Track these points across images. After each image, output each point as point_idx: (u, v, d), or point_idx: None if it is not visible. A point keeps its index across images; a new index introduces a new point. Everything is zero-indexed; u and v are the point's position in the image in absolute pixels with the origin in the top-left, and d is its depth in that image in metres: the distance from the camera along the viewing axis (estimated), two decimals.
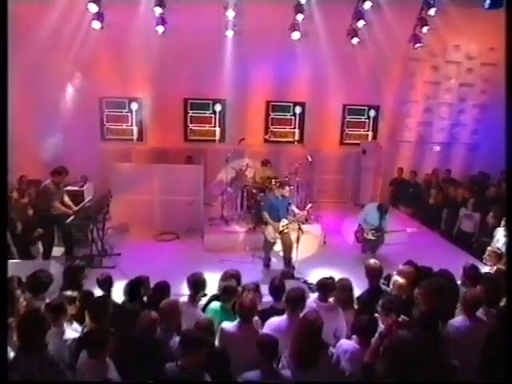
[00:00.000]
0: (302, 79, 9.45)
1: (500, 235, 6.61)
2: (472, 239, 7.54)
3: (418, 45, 8.52)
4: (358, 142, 10.35)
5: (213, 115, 9.66)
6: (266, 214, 6.24)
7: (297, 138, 10.14)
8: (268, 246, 6.41)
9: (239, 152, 8.48)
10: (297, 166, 8.23)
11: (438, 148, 10.59)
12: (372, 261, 4.33)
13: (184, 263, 6.33)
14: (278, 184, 6.31)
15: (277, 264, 6.56)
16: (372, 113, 10.25)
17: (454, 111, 10.32)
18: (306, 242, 6.63)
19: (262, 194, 7.38)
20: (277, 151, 9.70)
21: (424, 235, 8.21)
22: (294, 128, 10.11)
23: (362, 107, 10.18)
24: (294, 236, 6.30)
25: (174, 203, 7.70)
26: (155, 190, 7.73)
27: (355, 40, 8.45)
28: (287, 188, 6.19)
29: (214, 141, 9.79)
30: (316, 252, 7.05)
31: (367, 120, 10.32)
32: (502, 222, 6.58)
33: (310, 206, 6.20)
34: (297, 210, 6.32)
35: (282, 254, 6.47)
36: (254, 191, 7.84)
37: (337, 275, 4.39)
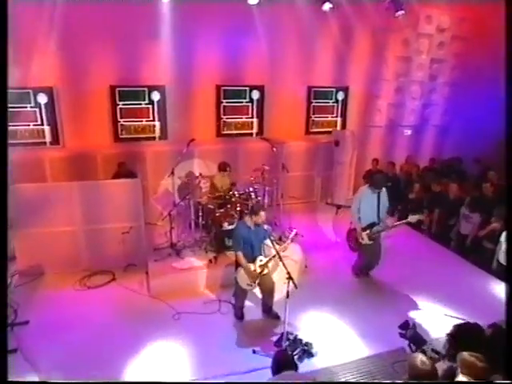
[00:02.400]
0: (259, 58, 7.55)
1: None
2: (471, 243, 6.37)
3: (399, 12, 6.93)
4: (325, 130, 8.78)
5: (149, 106, 7.44)
6: (239, 255, 4.45)
7: (256, 129, 8.32)
8: (241, 294, 4.65)
9: (187, 153, 6.45)
10: (264, 169, 6.45)
11: (409, 132, 9.41)
12: (419, 359, 2.73)
13: (124, 321, 4.46)
14: (250, 209, 4.50)
15: (253, 312, 4.84)
16: (340, 95, 8.62)
17: (425, 90, 9.13)
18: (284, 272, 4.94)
19: (228, 225, 5.58)
20: (233, 148, 7.78)
21: (412, 239, 6.96)
22: (252, 117, 8.22)
23: (330, 89, 8.51)
24: (275, 274, 4.63)
25: (104, 233, 5.60)
26: (77, 218, 5.53)
27: (327, 6, 6.64)
28: (262, 213, 4.41)
29: (154, 138, 7.64)
30: (298, 282, 5.42)
31: (335, 104, 8.70)
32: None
33: (294, 232, 4.50)
34: (276, 245, 4.54)
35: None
36: (211, 206, 5.98)
37: (333, 318, 3.87)
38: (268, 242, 4.50)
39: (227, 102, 7.92)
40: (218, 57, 7.32)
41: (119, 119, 7.34)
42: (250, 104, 8.09)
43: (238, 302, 4.74)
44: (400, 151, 9.32)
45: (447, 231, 6.79)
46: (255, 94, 8.03)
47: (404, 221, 5.31)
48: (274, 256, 4.43)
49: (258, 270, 4.45)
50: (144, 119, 7.49)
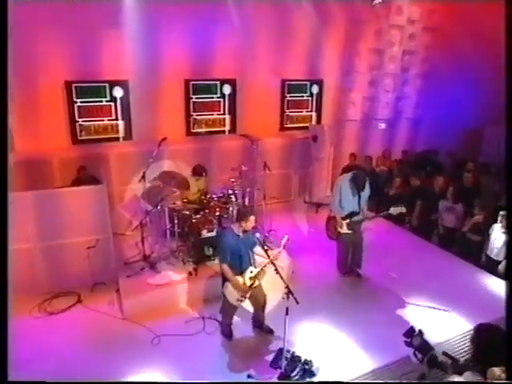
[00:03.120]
0: (230, 50, 7.03)
1: (497, 234, 5.29)
2: (455, 235, 6.23)
3: (376, 0, 6.65)
4: (300, 125, 8.41)
5: (111, 103, 6.71)
6: (225, 268, 3.92)
7: (228, 126, 7.79)
8: (230, 310, 4.13)
9: (157, 154, 5.80)
10: (242, 169, 5.94)
11: (383, 125, 9.25)
12: (497, 372, 2.36)
13: (95, 350, 3.85)
14: (237, 215, 3.97)
15: (242, 328, 4.33)
16: (315, 89, 8.25)
17: (397, 83, 9.00)
18: (272, 281, 4.47)
19: (207, 232, 5.04)
20: (205, 147, 7.19)
21: (395, 235, 6.73)
22: (224, 113, 7.67)
23: (304, 82, 8.12)
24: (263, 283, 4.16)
25: (65, 249, 4.86)
26: (32, 233, 4.75)
27: None
28: (252, 218, 3.90)
29: (117, 139, 6.91)
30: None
31: (310, 98, 8.33)
32: (499, 218, 5.23)
33: (286, 238, 4.01)
34: (262, 255, 4.08)
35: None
36: (186, 212, 5.40)
37: (329, 328, 3.61)
38: (258, 249, 4.02)
39: (197, 98, 7.33)
40: (187, 49, 6.71)
41: (77, 119, 6.55)
42: (221, 99, 7.53)
43: (226, 320, 4.22)
44: (375, 145, 9.14)
45: (431, 225, 6.61)
46: (227, 89, 7.48)
47: (385, 212, 5.10)
48: (265, 266, 3.95)
49: (249, 283, 3.96)
50: (105, 118, 6.74)
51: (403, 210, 4.93)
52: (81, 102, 6.49)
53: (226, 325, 4.26)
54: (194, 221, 5.22)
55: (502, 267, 5.26)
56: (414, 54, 8.87)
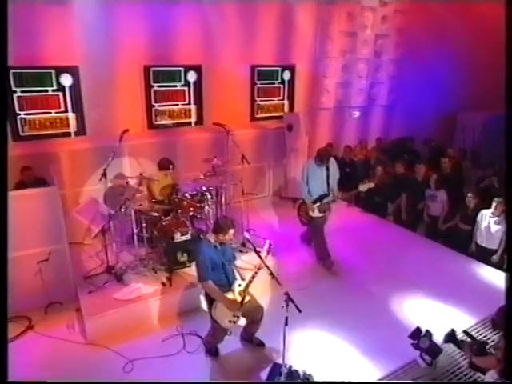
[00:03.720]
0: (195, 33, 6.60)
1: (488, 220, 5.28)
2: (437, 224, 6.21)
3: None
4: (272, 115, 8.11)
5: (59, 93, 6.06)
6: (210, 286, 3.49)
7: (194, 117, 7.34)
8: (220, 335, 3.71)
9: (117, 150, 5.25)
10: (215, 163, 5.54)
11: (357, 114, 9.19)
12: None
13: None
14: (216, 226, 3.56)
15: (227, 341, 3.94)
16: (286, 75, 7.98)
17: (371, 68, 8.96)
18: (258, 287, 4.12)
19: (181, 235, 4.61)
20: (170, 141, 6.69)
21: (381, 229, 6.62)
22: (189, 103, 7.21)
23: (275, 68, 7.82)
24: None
25: (12, 265, 4.23)
26: None
27: None
28: (231, 231, 3.52)
29: (68, 134, 6.26)
30: (272, 297, 4.66)
31: (281, 85, 8.04)
32: (493, 205, 5.21)
33: (268, 243, 3.65)
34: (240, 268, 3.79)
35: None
36: (155, 214, 4.93)
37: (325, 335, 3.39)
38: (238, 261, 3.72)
39: (159, 86, 6.82)
40: (146, 31, 6.19)
41: (19, 111, 5.85)
42: (185, 88, 7.07)
43: (214, 341, 3.82)
44: (350, 134, 9.07)
45: (417, 216, 6.56)
46: (191, 76, 7.03)
47: (354, 191, 5.27)
48: (254, 275, 3.60)
49: (239, 299, 3.58)
50: (53, 110, 6.08)
51: (371, 185, 4.98)
52: (21, 92, 5.79)
53: (212, 346, 3.86)
54: (164, 223, 4.77)
55: (496, 257, 5.25)
56: (387, 37, 8.86)
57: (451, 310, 4.50)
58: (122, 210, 4.81)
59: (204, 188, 5.09)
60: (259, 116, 7.99)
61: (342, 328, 4.20)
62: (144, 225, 4.75)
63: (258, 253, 3.49)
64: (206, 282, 3.45)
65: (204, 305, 4.48)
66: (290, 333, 3.94)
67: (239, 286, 3.59)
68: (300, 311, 3.09)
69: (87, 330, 4.03)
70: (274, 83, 7.92)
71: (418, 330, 3.79)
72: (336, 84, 8.66)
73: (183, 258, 4.81)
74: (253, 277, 3.60)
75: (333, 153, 7.90)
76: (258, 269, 3.56)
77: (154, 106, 6.87)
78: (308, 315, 4.23)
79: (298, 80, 8.18)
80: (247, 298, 3.59)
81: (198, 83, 7.12)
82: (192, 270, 4.81)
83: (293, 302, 3.11)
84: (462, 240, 5.82)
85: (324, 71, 8.39)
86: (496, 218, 5.21)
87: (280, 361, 3.47)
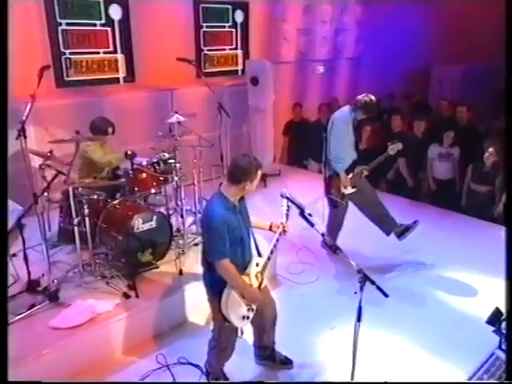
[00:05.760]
0: None
1: None
2: (456, 189, 5.98)
3: None
4: (224, 69, 7.32)
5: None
6: (227, 267, 2.63)
7: (123, 71, 6.25)
8: (231, 341, 2.87)
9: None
10: (175, 121, 4.58)
11: (321, 69, 8.82)
12: None
13: None
14: (239, 171, 2.65)
15: (236, 364, 3.11)
16: (239, 16, 7.22)
17: (336, 11, 8.57)
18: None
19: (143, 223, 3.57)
20: (92, 103, 5.54)
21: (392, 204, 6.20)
22: (115, 52, 6.11)
23: (224, 6, 7.01)
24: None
25: None
26: None
27: None
28: (260, 172, 2.70)
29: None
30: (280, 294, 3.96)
31: (233, 29, 7.27)
32: None
33: (284, 202, 2.92)
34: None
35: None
36: (95, 197, 3.88)
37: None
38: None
39: (68, 25, 5.60)
40: None
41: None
42: (108, 29, 5.95)
43: (223, 359, 2.97)
44: (314, 92, 8.67)
45: (420, 183, 6.29)
46: (115, 12, 5.94)
47: (382, 156, 4.61)
48: (272, 252, 2.93)
49: (256, 284, 2.84)
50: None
51: (400, 146, 4.56)
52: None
53: (219, 369, 3.01)
54: (115, 208, 3.75)
55: None
56: None
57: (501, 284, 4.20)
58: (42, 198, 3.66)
59: (166, 154, 4.13)
60: (208, 71, 7.13)
61: (396, 326, 3.65)
62: (86, 212, 3.65)
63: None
64: (224, 261, 2.62)
65: (193, 316, 3.68)
66: (330, 337, 3.35)
67: (257, 265, 2.85)
68: (387, 295, 2.39)
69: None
70: (224, 26, 7.12)
71: (498, 311, 3.34)
72: (297, 31, 8.14)
73: (147, 256, 3.84)
74: (272, 251, 2.92)
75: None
76: (280, 234, 2.91)
77: (64, 53, 5.65)
78: (340, 313, 3.70)
79: (252, 24, 7.49)
80: (264, 284, 2.91)
81: (126, 23, 6.08)
82: (163, 272, 3.91)
83: (373, 282, 2.39)
84: (478, 205, 5.65)
85: (283, 13, 7.80)
86: None
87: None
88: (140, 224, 3.75)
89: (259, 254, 2.93)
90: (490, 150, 5.47)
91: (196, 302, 3.73)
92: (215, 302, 2.73)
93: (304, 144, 7.40)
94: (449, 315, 3.87)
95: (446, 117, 6.91)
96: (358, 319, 2.41)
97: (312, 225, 2.68)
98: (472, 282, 4.35)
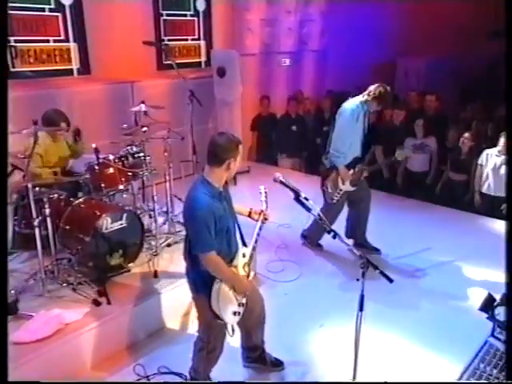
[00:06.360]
0: None
1: (494, 160, 5.31)
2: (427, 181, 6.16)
3: None
4: (185, 61, 7.19)
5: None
6: (215, 260, 2.53)
7: (76, 62, 6.00)
8: (220, 341, 2.77)
9: None
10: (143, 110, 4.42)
11: (287, 62, 8.86)
12: None
13: None
14: (220, 148, 2.53)
15: (222, 369, 3.01)
16: (201, 4, 7.12)
17: (300, 1, 8.66)
18: None
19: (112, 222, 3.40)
20: (41, 96, 5.26)
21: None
22: (67, 40, 5.85)
23: None
24: None
25: None
26: None
27: None
28: (241, 147, 2.63)
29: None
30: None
31: (195, 18, 7.16)
32: (501, 140, 5.23)
33: (263, 189, 2.98)
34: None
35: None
36: (55, 196, 3.66)
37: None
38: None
39: (13, 9, 5.26)
40: None
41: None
42: (58, 14, 5.70)
43: (210, 365, 2.86)
44: (280, 86, 8.68)
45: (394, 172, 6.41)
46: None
47: (386, 160, 4.96)
48: (256, 241, 2.86)
49: (244, 274, 2.78)
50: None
51: (409, 154, 4.75)
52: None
53: (206, 375, 2.89)
54: (81, 206, 3.56)
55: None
56: None
57: (488, 272, 4.33)
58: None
59: (134, 148, 3.96)
60: (169, 62, 6.95)
61: (392, 322, 3.65)
62: (48, 212, 3.42)
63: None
64: (211, 254, 2.52)
65: (172, 321, 3.54)
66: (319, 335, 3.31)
67: (243, 256, 2.77)
68: (391, 281, 2.37)
69: None
70: (185, 15, 7.00)
71: (491, 297, 3.41)
72: (261, 22, 8.13)
73: (116, 258, 3.66)
74: (256, 241, 2.85)
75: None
76: (263, 222, 2.89)
77: (9, 43, 5.34)
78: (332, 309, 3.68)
79: (215, 13, 7.40)
80: (251, 276, 2.86)
81: (78, 9, 5.83)
82: (135, 275, 3.76)
83: (376, 267, 2.36)
84: (457, 193, 5.82)
85: (246, 3, 7.77)
86: (503, 157, 5.23)
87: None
88: (109, 223, 3.56)
89: (244, 244, 2.85)
90: (466, 135, 5.64)
91: (173, 306, 3.63)
92: (202, 299, 2.62)
93: (274, 139, 7.39)
94: (437, 306, 3.92)
95: (416, 108, 7.08)
96: (361, 308, 2.36)
97: (309, 210, 2.62)
98: (456, 272, 4.45)
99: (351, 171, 4.37)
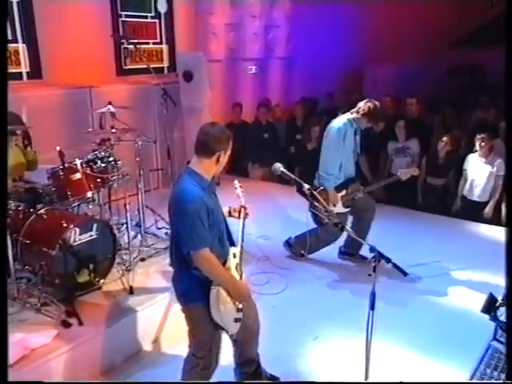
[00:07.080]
0: None
1: (476, 167, 5.45)
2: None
3: None
4: (146, 66, 7.04)
5: None
6: (210, 259, 2.41)
7: (26, 65, 5.78)
8: (215, 357, 2.63)
9: None
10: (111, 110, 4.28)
11: (253, 69, 8.94)
12: None
13: None
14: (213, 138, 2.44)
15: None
16: (162, 5, 7.04)
17: (264, 5, 8.76)
18: None
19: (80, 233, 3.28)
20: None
21: None
22: (15, 41, 5.62)
23: None
24: None
25: None
26: None
27: None
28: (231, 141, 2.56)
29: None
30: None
31: (156, 20, 7.07)
32: (477, 143, 5.40)
33: (236, 183, 2.96)
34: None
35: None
36: (16, 207, 3.44)
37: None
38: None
39: None
40: None
41: None
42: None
43: (203, 380, 2.70)
44: (247, 93, 8.70)
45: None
46: None
47: (389, 179, 4.86)
48: (243, 239, 2.79)
49: (237, 276, 2.67)
50: None
51: (416, 171, 4.73)
52: None
53: None
54: (44, 217, 3.35)
55: (488, 209, 5.42)
56: None
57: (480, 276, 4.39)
58: None
59: (103, 153, 3.79)
60: (129, 67, 6.83)
61: (393, 332, 3.58)
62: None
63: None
64: (205, 251, 2.39)
65: (149, 342, 3.36)
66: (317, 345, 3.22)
67: (234, 256, 2.66)
68: (406, 274, 2.33)
69: None
70: (146, 17, 6.91)
71: (492, 298, 3.42)
72: (225, 26, 8.16)
73: (85, 275, 3.44)
74: (242, 239, 2.78)
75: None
76: (244, 218, 2.83)
77: None
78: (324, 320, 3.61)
79: (177, 15, 7.36)
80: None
81: (28, 9, 5.61)
82: (112, 288, 3.56)
83: (389, 260, 2.30)
84: (434, 199, 5.93)
85: (209, 5, 7.77)
86: (484, 159, 5.38)
87: None
88: (77, 235, 3.36)
89: (232, 243, 2.74)
90: (445, 138, 5.78)
91: (151, 325, 3.44)
92: (198, 309, 2.48)
93: (245, 148, 7.32)
94: (434, 313, 3.90)
95: (391, 113, 7.22)
96: (372, 307, 2.29)
97: (311, 201, 2.57)
98: (450, 278, 4.47)
99: (343, 192, 4.32)
